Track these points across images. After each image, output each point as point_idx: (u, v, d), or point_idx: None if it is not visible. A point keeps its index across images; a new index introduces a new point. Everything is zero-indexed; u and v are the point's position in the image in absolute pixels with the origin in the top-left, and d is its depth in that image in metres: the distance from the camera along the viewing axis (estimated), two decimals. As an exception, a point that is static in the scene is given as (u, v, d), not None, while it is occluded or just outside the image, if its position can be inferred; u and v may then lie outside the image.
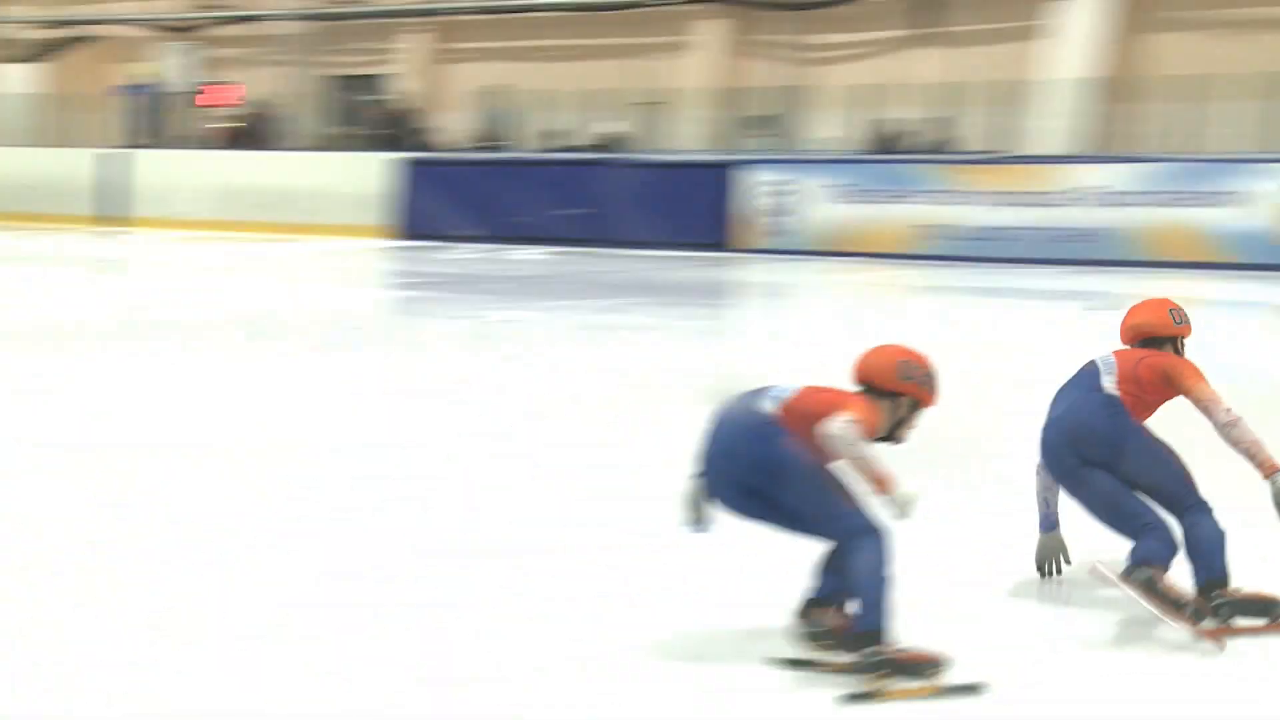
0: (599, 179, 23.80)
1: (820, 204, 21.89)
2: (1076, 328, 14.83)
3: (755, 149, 24.51)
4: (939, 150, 23.03)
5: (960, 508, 7.03)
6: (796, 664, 4.94)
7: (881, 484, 4.77)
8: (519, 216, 23.85)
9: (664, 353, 12.99)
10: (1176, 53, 23.22)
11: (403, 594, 5.80)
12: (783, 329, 16.35)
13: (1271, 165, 18.86)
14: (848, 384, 5.13)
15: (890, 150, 23.38)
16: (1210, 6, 23.32)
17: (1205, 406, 5.49)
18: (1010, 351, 13.71)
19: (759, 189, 22.34)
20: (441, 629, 5.45)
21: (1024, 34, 24.51)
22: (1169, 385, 5.59)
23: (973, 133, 23.29)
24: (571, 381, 11.33)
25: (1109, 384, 5.63)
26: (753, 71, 27.05)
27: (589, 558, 6.45)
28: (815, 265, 21.29)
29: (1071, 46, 23.93)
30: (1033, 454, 5.94)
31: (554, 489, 7.69)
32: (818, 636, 4.98)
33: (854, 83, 23.98)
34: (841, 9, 26.16)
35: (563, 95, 25.98)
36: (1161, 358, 5.69)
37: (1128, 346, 5.77)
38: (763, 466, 4.93)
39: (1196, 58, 22.42)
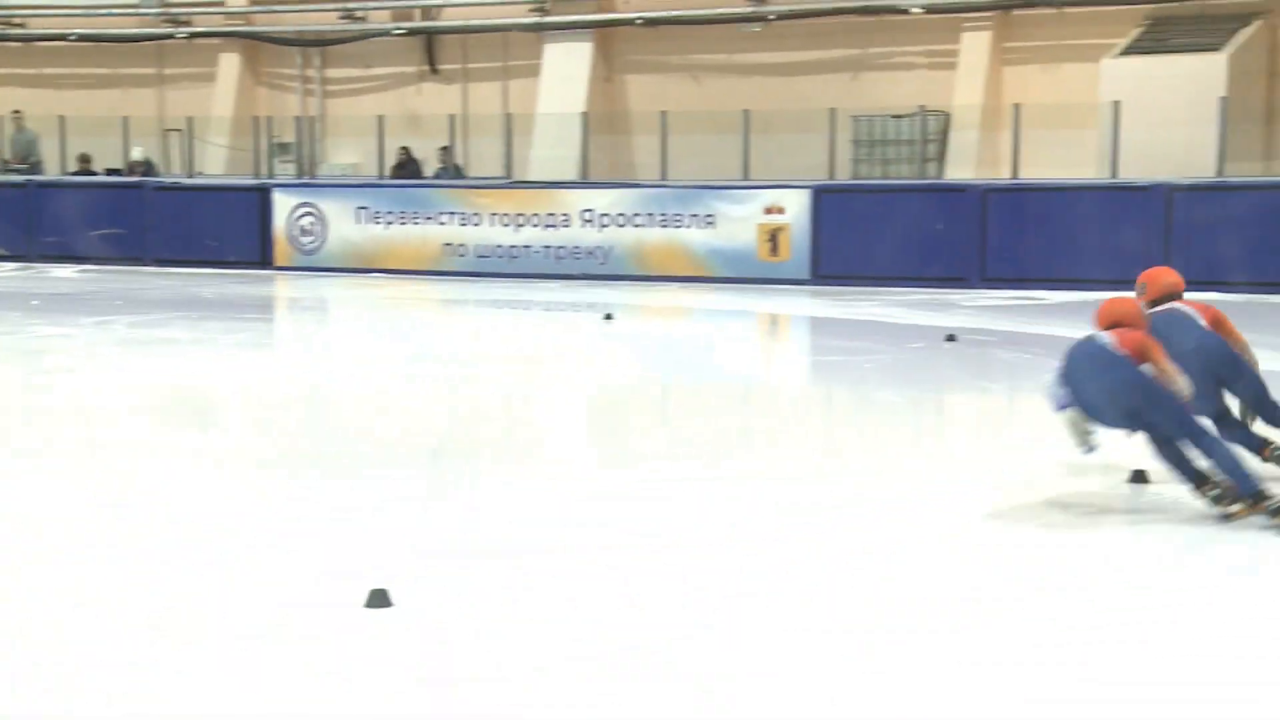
0: (136, 201, 24.55)
1: (349, 224, 23.14)
2: (600, 332, 16.52)
3: (285, 174, 25.65)
4: (455, 175, 24.81)
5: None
6: (1226, 518, 6.73)
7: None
8: (54, 237, 24.36)
9: (206, 366, 13.55)
10: (648, 92, 26.00)
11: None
12: (324, 339, 17.45)
13: (749, 191, 21.18)
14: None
15: (412, 175, 25.02)
16: (669, 53, 26.19)
17: (1244, 346, 7.65)
18: (550, 354, 15.50)
19: (292, 211, 23.61)
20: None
21: (525, 71, 26.90)
22: (1219, 330, 7.57)
23: (485, 160, 25.28)
24: (124, 391, 11.76)
25: (1206, 326, 7.55)
26: (279, 102, 28.46)
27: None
28: (348, 281, 22.29)
29: (564, 84, 26.21)
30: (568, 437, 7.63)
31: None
32: (1219, 500, 6.81)
33: (375, 112, 25.64)
34: (358, 45, 27.91)
35: (95, 121, 26.51)
36: (1217, 310, 7.71)
37: (1149, 303, 7.64)
38: (1139, 391, 6.74)
39: (664, 96, 24.96)
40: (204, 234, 23.95)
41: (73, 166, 26.46)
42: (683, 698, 4.72)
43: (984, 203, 20.14)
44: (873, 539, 6.79)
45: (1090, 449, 6.88)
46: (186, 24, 28.81)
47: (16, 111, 27.38)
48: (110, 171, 26.09)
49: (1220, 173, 19.71)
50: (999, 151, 22.44)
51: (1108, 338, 6.88)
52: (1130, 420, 6.87)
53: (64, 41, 29.13)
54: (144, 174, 25.52)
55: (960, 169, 22.98)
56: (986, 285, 19.71)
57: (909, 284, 20.04)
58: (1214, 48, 21.61)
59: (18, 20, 29.48)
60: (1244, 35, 21.84)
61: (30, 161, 26.72)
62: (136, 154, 25.86)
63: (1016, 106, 21.06)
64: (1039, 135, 21.37)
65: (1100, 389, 6.79)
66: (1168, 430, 6.85)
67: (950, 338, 14.71)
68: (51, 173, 26.32)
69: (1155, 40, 22.36)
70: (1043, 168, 21.17)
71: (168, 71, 29.13)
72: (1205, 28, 22.20)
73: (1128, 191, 19.68)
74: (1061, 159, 21.52)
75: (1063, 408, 6.86)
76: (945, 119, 23.72)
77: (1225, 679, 4.99)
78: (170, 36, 28.77)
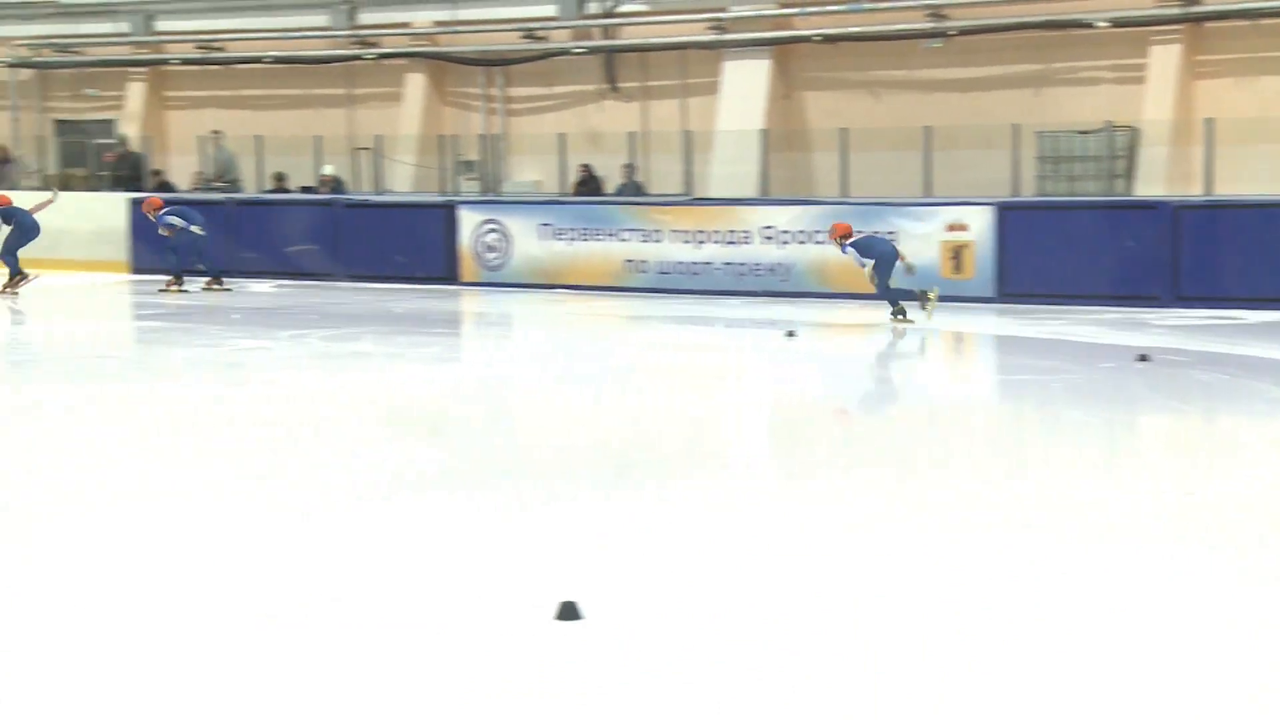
0: (328, 217, 25.25)
1: (533, 241, 23.49)
2: (782, 348, 16.68)
3: (470, 191, 26.17)
4: (635, 192, 25.06)
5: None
6: None
7: None
8: (250, 252, 25.10)
9: (400, 377, 13.92)
10: (827, 108, 25.90)
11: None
12: (511, 353, 17.75)
13: (931, 208, 21.04)
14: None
15: (593, 192, 25.33)
16: (848, 70, 26.06)
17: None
18: (734, 370, 15.67)
19: (477, 228, 24.02)
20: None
21: (704, 89, 27.05)
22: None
23: (665, 177, 25.48)
24: (321, 404, 12.10)
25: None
26: (464, 120, 29.02)
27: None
28: (532, 296, 22.59)
29: (743, 101, 26.24)
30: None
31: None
32: None
33: (556, 130, 25.98)
34: (539, 64, 28.30)
35: (287, 141, 27.34)
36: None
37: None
38: None
39: (844, 113, 24.89)
40: (393, 250, 24.46)
41: (269, 184, 27.23)
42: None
43: (1176, 219, 19.74)
44: (1072, 560, 6.76)
45: None
46: (375, 45, 29.46)
47: (216, 131, 28.36)
48: (304, 189, 26.80)
49: None
50: (1191, 167, 21.97)
51: None
52: None
53: (260, 64, 30.04)
54: (333, 190, 26.16)
55: (1151, 185, 22.53)
56: (1180, 304, 19.31)
57: (1098, 302, 19.72)
58: None
59: (217, 45, 30.41)
60: None
61: (229, 179, 27.60)
62: (326, 169, 26.51)
63: (1209, 121, 20.62)
64: (1235, 151, 20.88)
65: None
66: None
67: (1143, 357, 14.45)
68: (249, 190, 27.15)
69: (1356, 50, 21.75)
70: (1241, 184, 20.67)
71: (357, 92, 29.82)
72: None
73: (1330, 207, 19.16)
74: (1262, 174, 21.00)
75: None
76: (1134, 134, 23.30)
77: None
78: (359, 58, 29.47)
